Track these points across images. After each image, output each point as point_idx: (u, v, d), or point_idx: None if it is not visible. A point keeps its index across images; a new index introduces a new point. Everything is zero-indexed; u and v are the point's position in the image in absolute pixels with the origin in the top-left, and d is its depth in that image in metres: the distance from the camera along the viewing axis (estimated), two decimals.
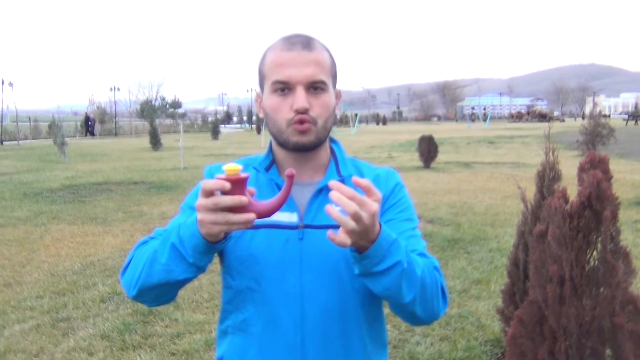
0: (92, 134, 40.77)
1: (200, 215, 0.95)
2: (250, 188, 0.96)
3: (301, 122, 1.11)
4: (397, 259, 1.00)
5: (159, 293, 1.12)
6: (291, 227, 1.15)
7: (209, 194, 0.93)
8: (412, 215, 1.22)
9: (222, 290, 1.24)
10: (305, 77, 1.11)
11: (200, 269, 1.06)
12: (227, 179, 0.92)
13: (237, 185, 0.92)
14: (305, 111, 1.11)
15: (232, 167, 0.93)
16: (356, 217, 0.90)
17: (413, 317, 1.12)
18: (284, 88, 1.12)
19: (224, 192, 0.92)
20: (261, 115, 1.22)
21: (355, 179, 0.94)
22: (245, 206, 0.93)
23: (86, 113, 44.41)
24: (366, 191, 0.93)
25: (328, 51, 1.19)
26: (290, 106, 1.12)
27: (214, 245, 1.01)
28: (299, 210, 1.17)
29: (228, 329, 1.22)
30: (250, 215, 0.93)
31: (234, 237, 1.14)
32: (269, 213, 0.96)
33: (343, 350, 1.16)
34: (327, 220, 1.15)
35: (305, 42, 1.14)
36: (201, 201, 0.94)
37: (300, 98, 1.10)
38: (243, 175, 0.93)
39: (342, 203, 0.90)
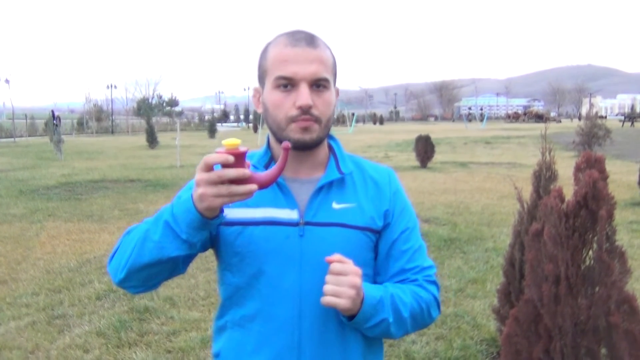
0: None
1: (201, 189, 0.96)
2: (247, 161, 0.98)
3: (304, 119, 1.11)
4: (383, 316, 1.12)
5: (147, 275, 1.11)
6: (291, 224, 1.15)
7: (209, 168, 0.95)
8: (415, 222, 1.28)
9: (221, 286, 1.24)
10: (310, 74, 1.10)
11: (192, 247, 1.06)
12: (229, 153, 0.94)
13: (238, 158, 0.95)
14: (308, 108, 1.10)
15: (232, 142, 0.95)
16: (337, 293, 1.05)
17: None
18: (287, 84, 1.11)
19: (226, 166, 0.94)
20: (259, 110, 1.21)
21: (328, 258, 1.07)
22: (246, 178, 0.95)
23: (52, 110, 43.56)
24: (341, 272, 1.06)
25: (330, 49, 1.18)
26: (292, 103, 1.10)
27: (209, 221, 1.02)
28: (299, 207, 1.16)
29: (227, 324, 1.22)
30: (253, 186, 0.95)
31: (231, 233, 1.14)
32: (268, 184, 1.00)
33: (340, 347, 1.16)
34: (328, 217, 1.15)
35: (310, 39, 1.13)
36: (203, 175, 0.95)
37: (304, 95, 1.09)
38: (242, 149, 0.96)
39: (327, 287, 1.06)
